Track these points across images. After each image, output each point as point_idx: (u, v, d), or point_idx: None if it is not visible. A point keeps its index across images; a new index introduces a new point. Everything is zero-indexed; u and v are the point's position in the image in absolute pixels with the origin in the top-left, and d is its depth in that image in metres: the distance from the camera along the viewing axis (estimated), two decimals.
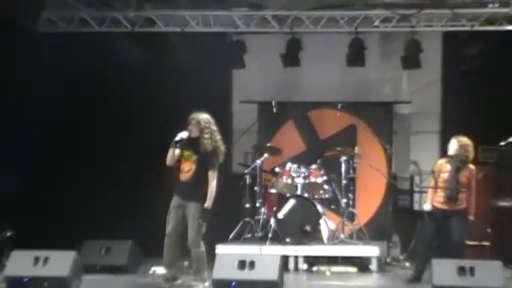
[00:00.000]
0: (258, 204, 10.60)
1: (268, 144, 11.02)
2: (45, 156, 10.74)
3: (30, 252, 7.97)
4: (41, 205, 10.59)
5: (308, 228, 10.13)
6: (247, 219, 10.52)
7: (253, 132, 11.84)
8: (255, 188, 10.67)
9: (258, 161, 10.70)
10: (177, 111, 9.47)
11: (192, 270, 8.34)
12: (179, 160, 8.16)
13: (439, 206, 8.69)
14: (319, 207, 10.27)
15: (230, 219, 10.83)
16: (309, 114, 11.84)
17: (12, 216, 9.81)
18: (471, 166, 8.71)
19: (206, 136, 8.14)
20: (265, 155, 10.75)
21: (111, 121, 11.08)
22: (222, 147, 8.26)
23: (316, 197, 10.40)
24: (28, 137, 10.20)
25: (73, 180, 10.87)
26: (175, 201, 8.17)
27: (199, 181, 8.10)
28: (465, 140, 8.68)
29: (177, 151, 8.08)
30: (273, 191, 10.62)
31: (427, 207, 8.81)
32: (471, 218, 8.70)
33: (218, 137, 8.24)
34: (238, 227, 10.47)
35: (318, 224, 10.18)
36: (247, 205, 10.68)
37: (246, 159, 11.60)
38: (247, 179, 10.72)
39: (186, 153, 8.16)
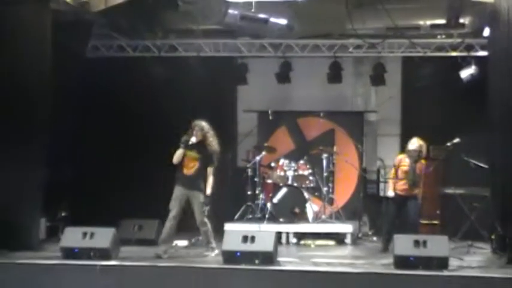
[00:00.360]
0: (257, 192, 10.59)
1: (266, 144, 11.02)
2: (92, 151, 10.78)
3: (79, 228, 8.02)
4: (88, 191, 10.60)
5: (297, 210, 10.16)
6: (249, 203, 10.51)
7: (254, 135, 11.85)
8: (255, 179, 10.66)
9: (258, 158, 10.70)
10: (196, 117, 9.47)
11: (203, 243, 8.39)
12: (183, 158, 8.13)
13: (399, 192, 8.76)
14: (306, 194, 10.32)
15: (236, 203, 10.84)
16: (298, 121, 11.82)
17: (66, 200, 9.84)
18: (422, 161, 8.77)
19: (211, 139, 8.16)
20: (263, 153, 10.75)
21: (143, 125, 11.04)
22: (218, 149, 8.28)
23: (303, 186, 10.41)
24: (77, 136, 10.25)
25: (113, 172, 10.84)
26: (179, 190, 8.11)
27: (201, 175, 8.14)
28: (420, 140, 8.75)
29: (180, 151, 8.05)
30: (269, 181, 10.63)
31: (390, 193, 8.89)
32: (419, 201, 8.80)
33: (216, 140, 8.25)
34: (242, 210, 10.47)
35: (305, 207, 10.22)
36: (249, 192, 10.66)
37: (248, 156, 11.50)
38: (249, 172, 10.71)
39: (190, 153, 8.14)
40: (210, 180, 8.17)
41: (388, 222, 8.93)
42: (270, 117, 11.26)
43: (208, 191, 8.16)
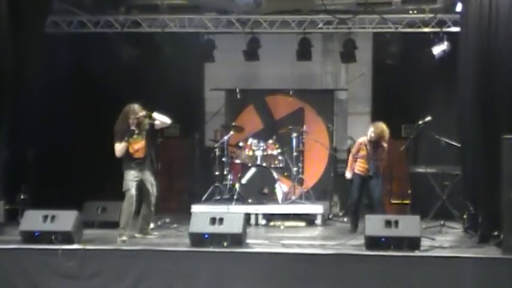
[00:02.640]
0: (225, 172, 10.56)
1: (233, 124, 10.95)
2: (52, 130, 10.51)
3: (40, 211, 7.91)
4: (50, 172, 10.43)
5: (266, 191, 10.16)
6: (217, 184, 10.47)
7: (222, 114, 11.75)
8: (223, 159, 10.61)
9: (226, 137, 10.64)
10: (160, 95, 9.32)
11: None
12: (128, 144, 8.07)
13: (358, 172, 8.85)
14: (275, 174, 10.29)
15: (203, 184, 10.81)
16: (266, 99, 11.78)
17: (26, 182, 9.65)
18: (384, 144, 8.79)
19: (146, 122, 8.14)
20: (231, 132, 10.69)
21: (105, 104, 10.79)
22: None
23: (272, 166, 10.39)
24: (36, 115, 9.92)
25: (75, 153, 10.75)
26: (131, 174, 8.04)
27: (149, 155, 8.17)
28: (380, 126, 8.75)
29: (123, 144, 8.01)
30: (237, 161, 10.57)
31: (347, 175, 8.95)
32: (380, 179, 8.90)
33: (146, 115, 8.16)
34: (209, 191, 10.42)
35: (274, 188, 10.19)
36: (217, 173, 10.62)
37: (216, 136, 11.49)
38: (217, 152, 10.65)
39: (133, 138, 8.09)
40: (161, 115, 8.13)
41: (353, 202, 8.99)
42: (238, 96, 11.14)
43: (167, 120, 8.15)
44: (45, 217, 7.78)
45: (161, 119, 8.18)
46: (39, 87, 9.58)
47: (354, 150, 9.00)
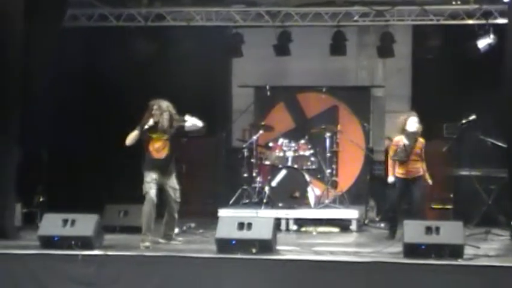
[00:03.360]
0: (254, 174, 10.58)
1: (263, 123, 10.97)
2: (72, 129, 10.73)
3: (59, 215, 7.97)
4: (69, 174, 10.61)
5: (297, 194, 10.14)
6: (245, 187, 10.51)
7: (250, 112, 11.79)
8: (252, 160, 10.64)
9: (254, 137, 10.67)
10: (185, 93, 9.38)
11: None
12: (150, 141, 8.10)
13: (400, 175, 8.73)
14: (307, 177, 10.27)
15: (230, 187, 10.88)
16: (298, 97, 11.81)
17: (44, 184, 9.80)
18: (421, 140, 8.73)
19: (177, 118, 8.18)
20: (260, 131, 10.72)
21: (127, 102, 10.92)
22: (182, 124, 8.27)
23: (304, 167, 10.37)
24: (55, 114, 10.21)
25: (96, 153, 10.87)
26: (150, 176, 8.05)
27: (172, 159, 8.19)
28: (416, 117, 8.71)
29: (136, 132, 8.02)
30: (267, 162, 10.58)
31: (390, 179, 8.86)
32: (430, 182, 8.77)
33: (178, 117, 8.23)
34: (237, 194, 10.46)
35: (306, 191, 10.18)
36: (245, 175, 10.65)
37: (244, 136, 11.54)
38: (245, 152, 10.68)
39: (156, 135, 8.12)
40: (193, 118, 8.24)
41: (392, 207, 8.94)
42: (268, 93, 11.15)
43: (199, 122, 8.25)
44: (65, 221, 7.84)
45: (193, 121, 8.22)
46: (52, 84, 9.69)
47: (391, 152, 8.90)
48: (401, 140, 8.74)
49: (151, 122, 8.07)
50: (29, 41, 8.63)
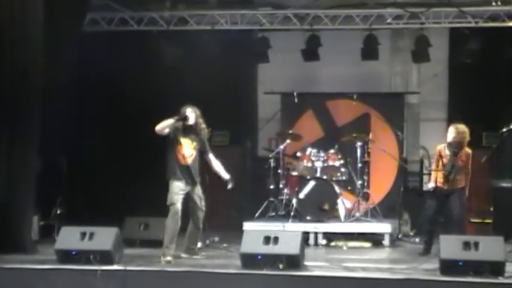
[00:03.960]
0: (281, 185, 10.58)
1: (290, 131, 10.99)
2: (91, 140, 10.87)
3: (77, 228, 8.01)
4: (87, 185, 10.72)
5: (326, 207, 10.11)
6: (272, 199, 10.51)
7: (277, 121, 11.87)
8: (279, 171, 10.65)
9: (281, 146, 10.68)
10: (208, 100, 9.48)
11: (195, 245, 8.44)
12: (178, 145, 8.10)
13: (440, 185, 8.66)
14: (337, 188, 10.25)
15: (256, 198, 10.88)
16: (327, 104, 11.80)
17: (62, 196, 9.88)
18: (467, 150, 8.64)
19: (202, 126, 8.21)
20: (288, 140, 10.73)
21: (149, 110, 10.99)
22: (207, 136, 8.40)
23: (333, 178, 10.35)
24: (74, 124, 10.31)
25: (117, 166, 10.97)
26: (177, 187, 8.05)
27: (198, 166, 8.25)
28: (461, 127, 8.61)
29: (170, 121, 7.93)
30: (294, 173, 10.59)
31: (430, 185, 8.79)
32: (466, 194, 8.70)
33: (205, 128, 8.31)
34: (263, 206, 10.45)
35: (336, 203, 10.16)
36: (272, 186, 10.64)
37: (270, 145, 11.56)
38: (272, 163, 10.68)
39: (185, 139, 8.13)
40: (219, 164, 8.31)
41: (428, 220, 8.84)
42: (295, 100, 11.23)
43: (225, 174, 8.28)
44: (83, 234, 7.88)
45: (219, 168, 8.35)
46: (73, 92, 9.80)
47: (433, 162, 8.84)
48: (441, 149, 8.68)
49: (192, 120, 8.06)
50: (49, 48, 8.73)
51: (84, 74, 10.24)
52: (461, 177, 8.58)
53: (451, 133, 8.60)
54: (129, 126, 11.03)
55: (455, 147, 8.55)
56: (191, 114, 8.11)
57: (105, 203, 10.58)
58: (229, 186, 8.28)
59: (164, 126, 7.95)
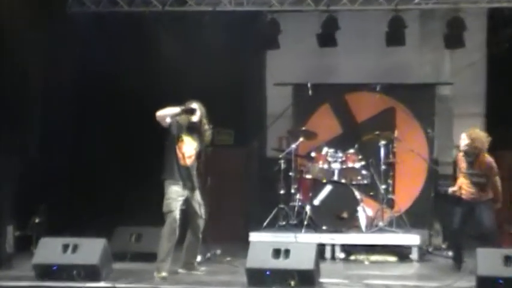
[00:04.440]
0: (292, 190, 10.59)
1: (303, 128, 10.98)
2: (77, 140, 10.96)
3: (59, 239, 8.01)
4: (72, 191, 10.80)
5: (345, 215, 10.10)
6: (282, 205, 10.51)
7: (288, 116, 11.82)
8: (290, 174, 10.65)
9: (293, 146, 10.68)
10: (208, 93, 9.47)
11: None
12: (179, 143, 8.13)
13: (464, 196, 8.70)
14: (357, 194, 10.23)
15: (264, 205, 10.88)
16: (346, 97, 11.80)
17: (43, 202, 9.91)
18: (486, 158, 8.64)
19: (207, 128, 8.28)
20: (300, 139, 10.73)
21: (141, 107, 10.97)
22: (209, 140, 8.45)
23: (353, 182, 10.35)
24: (57, 122, 10.38)
25: (105, 167, 11.04)
26: (176, 192, 8.07)
27: (196, 167, 8.30)
28: (475, 133, 8.68)
29: (176, 109, 7.98)
30: (308, 176, 10.58)
31: (453, 189, 8.82)
32: (499, 205, 8.71)
33: (209, 130, 8.37)
34: (272, 214, 10.46)
35: (356, 211, 10.14)
36: (282, 191, 10.65)
37: (281, 144, 11.56)
38: (282, 164, 10.68)
39: (187, 137, 8.18)
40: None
41: (453, 232, 8.91)
42: (310, 93, 11.17)
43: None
44: (66, 247, 7.88)
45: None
46: (55, 87, 9.90)
47: (456, 162, 8.92)
48: (459, 158, 8.81)
49: (197, 116, 8.11)
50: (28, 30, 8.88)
51: (68, 61, 10.37)
52: (486, 188, 8.62)
53: (463, 140, 8.70)
54: (121, 124, 11.09)
55: (470, 156, 8.63)
56: (198, 111, 8.20)
57: (91, 210, 10.62)
58: (201, 200, 8.34)
59: (166, 114, 8.01)
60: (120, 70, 10.96)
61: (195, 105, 8.20)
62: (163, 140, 8.19)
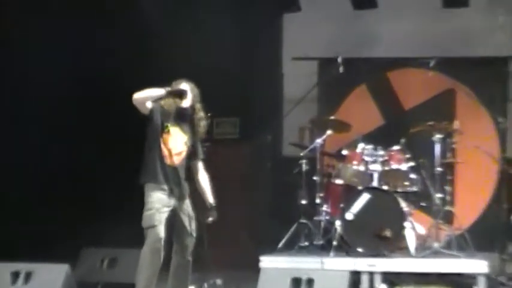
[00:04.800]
0: (318, 200, 10.51)
1: (332, 117, 10.89)
2: (37, 141, 11.17)
3: (7, 265, 8.11)
4: (28, 204, 11.02)
5: (388, 233, 9.96)
6: (304, 220, 10.42)
7: (312, 101, 11.86)
8: (314, 178, 10.58)
9: (318, 140, 10.60)
10: (210, 72, 9.41)
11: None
12: (162, 133, 8.10)
13: None
14: (404, 205, 10.14)
15: (280, 220, 10.95)
16: (389, 76, 11.92)
17: None
18: None
19: (201, 115, 8.25)
20: (328, 131, 10.62)
21: (119, 97, 11.02)
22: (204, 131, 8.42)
23: (399, 190, 10.29)
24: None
25: (72, 175, 11.37)
26: (160, 200, 8.04)
27: (186, 168, 8.26)
28: None
29: (159, 91, 7.94)
30: (338, 181, 10.50)
31: None
32: None
33: (205, 118, 8.35)
34: (290, 232, 10.40)
35: (402, 228, 10.01)
36: (304, 201, 10.57)
37: (302, 138, 11.64)
38: (304, 165, 10.61)
39: (174, 128, 8.15)
40: (207, 179, 8.34)
41: None
42: (340, 70, 11.00)
43: (210, 198, 8.28)
44: (16, 275, 8.01)
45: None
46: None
47: None
48: None
49: (188, 100, 8.09)
50: None
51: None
52: None
53: None
54: (95, 123, 11.35)
55: None
56: (188, 94, 8.15)
57: (50, 225, 10.72)
58: (209, 219, 8.26)
59: (147, 97, 7.96)
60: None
61: (185, 85, 8.14)
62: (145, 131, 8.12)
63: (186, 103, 8.11)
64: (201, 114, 8.26)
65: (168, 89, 7.98)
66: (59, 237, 10.02)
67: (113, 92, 10.56)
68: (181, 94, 8.04)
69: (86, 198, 10.96)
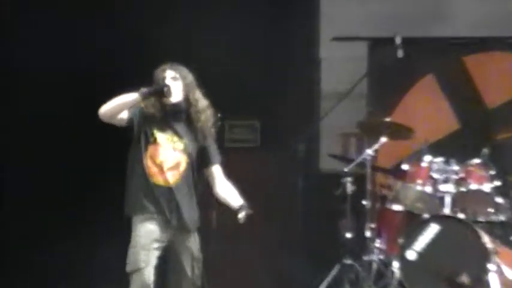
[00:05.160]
0: (368, 233, 10.52)
1: (388, 119, 10.87)
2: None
3: None
4: None
5: (465, 279, 9.87)
6: (348, 261, 10.41)
7: (359, 96, 11.84)
8: (363, 202, 10.56)
9: (369, 151, 10.58)
10: (222, 63, 9.22)
11: None
12: (147, 145, 8.05)
13: None
14: (487, 240, 9.96)
15: (315, 259, 11.15)
16: (466, 62, 11.87)
17: None
18: None
19: (203, 104, 8.13)
20: (383, 139, 10.56)
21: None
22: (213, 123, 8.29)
23: (480, 219, 10.22)
24: None
25: (52, 201, 11.56)
26: (150, 232, 8.00)
27: (192, 190, 8.20)
28: None
29: (133, 95, 7.86)
30: (396, 207, 10.47)
31: None
32: None
33: (210, 108, 8.26)
34: (331, 275, 10.38)
35: (485, 272, 9.85)
36: (348, 234, 10.55)
37: (346, 148, 11.68)
38: (348, 185, 10.56)
39: (161, 134, 8.08)
40: (229, 188, 8.32)
41: None
42: (399, 54, 11.08)
43: (238, 200, 8.25)
44: None
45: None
46: None
47: None
48: None
49: (172, 91, 7.94)
50: None
51: None
52: None
53: None
54: (77, 127, 11.45)
55: None
56: (174, 82, 8.05)
57: (19, 267, 11.05)
58: (241, 215, 8.15)
59: (117, 107, 7.90)
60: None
61: (169, 74, 8.05)
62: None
63: (175, 97, 8.00)
64: (202, 103, 8.14)
65: (144, 89, 7.86)
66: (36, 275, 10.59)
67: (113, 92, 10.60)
68: (162, 90, 7.95)
69: (64, 236, 11.19)
